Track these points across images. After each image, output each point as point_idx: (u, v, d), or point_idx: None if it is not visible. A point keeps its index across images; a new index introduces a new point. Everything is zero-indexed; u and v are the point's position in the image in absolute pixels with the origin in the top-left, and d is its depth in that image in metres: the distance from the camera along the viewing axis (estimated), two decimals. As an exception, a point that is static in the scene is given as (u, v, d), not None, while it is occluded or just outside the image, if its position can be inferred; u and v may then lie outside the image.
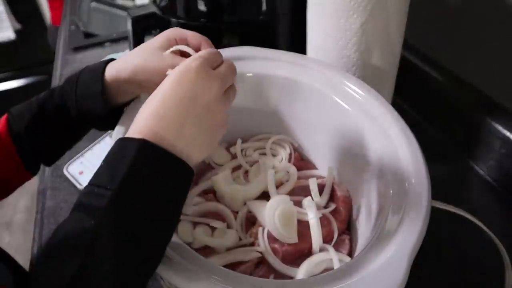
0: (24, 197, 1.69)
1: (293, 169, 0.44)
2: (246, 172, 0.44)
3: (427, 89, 0.61)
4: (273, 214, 0.37)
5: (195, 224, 0.38)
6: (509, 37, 0.50)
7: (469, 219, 0.40)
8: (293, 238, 0.37)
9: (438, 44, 0.61)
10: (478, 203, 0.51)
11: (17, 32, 1.77)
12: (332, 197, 0.42)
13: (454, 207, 0.45)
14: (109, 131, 0.61)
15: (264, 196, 0.41)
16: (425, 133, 0.35)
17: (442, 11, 0.59)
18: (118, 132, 0.36)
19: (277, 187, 0.41)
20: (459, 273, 0.44)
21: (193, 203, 0.40)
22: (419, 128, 0.35)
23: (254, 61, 0.44)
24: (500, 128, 0.50)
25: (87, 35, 0.95)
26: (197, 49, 0.36)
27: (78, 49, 0.89)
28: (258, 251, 0.36)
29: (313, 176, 0.44)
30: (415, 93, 0.62)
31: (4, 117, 0.39)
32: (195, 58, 0.30)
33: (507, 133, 0.49)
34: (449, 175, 0.54)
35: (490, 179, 0.53)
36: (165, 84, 0.29)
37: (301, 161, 0.47)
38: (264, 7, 0.57)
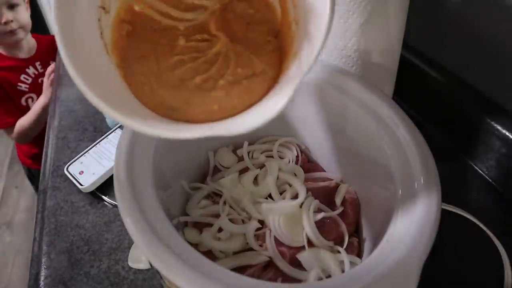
0: (24, 197, 1.70)
1: (300, 171, 0.44)
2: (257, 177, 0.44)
3: (427, 89, 0.61)
4: (277, 220, 0.37)
5: (201, 228, 0.38)
6: (509, 37, 0.50)
7: (469, 219, 0.40)
8: (300, 242, 0.36)
9: (438, 44, 0.61)
10: (478, 203, 0.51)
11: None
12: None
13: (454, 207, 0.45)
14: (107, 134, 0.62)
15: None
16: (425, 133, 0.35)
17: (442, 11, 0.59)
18: (122, 143, 0.35)
19: (284, 190, 0.41)
20: (459, 273, 0.44)
21: (200, 206, 0.40)
22: (419, 128, 0.35)
23: None
24: (499, 128, 0.50)
25: (88, 35, 0.95)
26: None
27: (78, 49, 0.89)
28: (266, 255, 0.36)
29: (320, 178, 0.44)
30: (415, 93, 0.62)
31: None
32: None
33: (507, 133, 0.49)
34: (449, 175, 0.54)
35: (490, 179, 0.53)
36: None
37: (308, 163, 0.47)
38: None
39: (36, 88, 1.13)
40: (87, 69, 0.26)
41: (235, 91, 0.29)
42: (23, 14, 1.07)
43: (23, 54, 1.12)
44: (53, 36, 1.28)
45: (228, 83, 0.30)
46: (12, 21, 1.03)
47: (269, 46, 0.32)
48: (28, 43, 1.13)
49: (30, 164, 1.23)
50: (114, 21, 0.31)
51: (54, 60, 1.15)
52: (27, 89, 1.12)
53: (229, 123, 0.28)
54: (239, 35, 0.32)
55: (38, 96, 1.13)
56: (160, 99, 0.29)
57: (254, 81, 0.30)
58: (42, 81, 1.15)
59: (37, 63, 1.14)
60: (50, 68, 1.08)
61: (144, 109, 0.29)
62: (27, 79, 1.12)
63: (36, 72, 1.14)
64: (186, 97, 0.29)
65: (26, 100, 1.13)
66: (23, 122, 1.08)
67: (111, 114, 0.25)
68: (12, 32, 1.05)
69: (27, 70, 1.12)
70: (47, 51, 1.16)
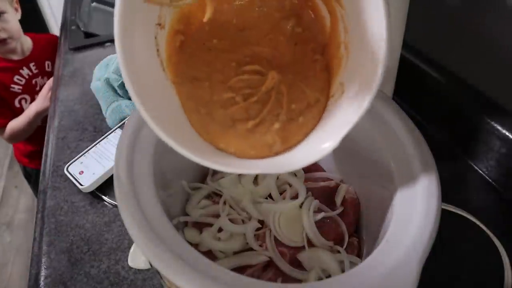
0: (24, 197, 1.70)
1: (300, 171, 0.43)
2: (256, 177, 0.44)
3: (427, 89, 0.61)
4: (277, 220, 0.37)
5: (201, 228, 0.38)
6: (509, 37, 0.50)
7: (469, 219, 0.40)
8: (300, 242, 0.36)
9: (438, 44, 0.61)
10: (478, 203, 0.51)
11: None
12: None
13: (454, 207, 0.45)
14: (107, 134, 0.62)
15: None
16: (425, 133, 0.35)
17: (442, 11, 0.59)
18: (123, 143, 0.35)
19: (284, 190, 0.41)
20: (459, 273, 0.44)
21: (200, 206, 0.40)
22: (419, 128, 0.35)
23: None
24: (499, 128, 0.50)
25: (88, 35, 0.95)
26: None
27: (78, 49, 0.90)
28: (266, 255, 0.36)
29: (320, 178, 0.43)
30: (415, 93, 0.62)
31: None
32: None
33: (507, 133, 0.49)
34: (449, 175, 0.54)
35: (490, 179, 0.53)
36: None
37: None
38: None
39: (29, 89, 1.12)
40: (146, 91, 0.27)
41: (291, 133, 0.30)
42: (12, 22, 1.04)
43: (16, 56, 1.10)
44: (52, 35, 1.27)
45: (283, 124, 0.30)
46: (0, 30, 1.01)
47: (317, 65, 0.31)
48: (22, 45, 1.11)
49: (27, 163, 1.22)
50: (168, 34, 0.31)
51: (50, 59, 1.14)
52: (20, 91, 1.10)
53: (277, 161, 0.29)
54: (288, 57, 0.32)
55: (31, 98, 1.11)
56: (210, 137, 0.30)
57: (309, 115, 0.30)
58: (36, 82, 1.13)
59: (31, 64, 1.12)
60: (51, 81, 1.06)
61: (194, 132, 0.30)
62: (21, 80, 1.10)
63: (30, 73, 1.12)
64: (236, 143, 0.30)
65: (20, 102, 1.11)
66: (14, 125, 1.06)
67: (164, 138, 0.26)
68: (2, 42, 1.03)
69: (21, 71, 1.10)
70: (44, 50, 1.14)
